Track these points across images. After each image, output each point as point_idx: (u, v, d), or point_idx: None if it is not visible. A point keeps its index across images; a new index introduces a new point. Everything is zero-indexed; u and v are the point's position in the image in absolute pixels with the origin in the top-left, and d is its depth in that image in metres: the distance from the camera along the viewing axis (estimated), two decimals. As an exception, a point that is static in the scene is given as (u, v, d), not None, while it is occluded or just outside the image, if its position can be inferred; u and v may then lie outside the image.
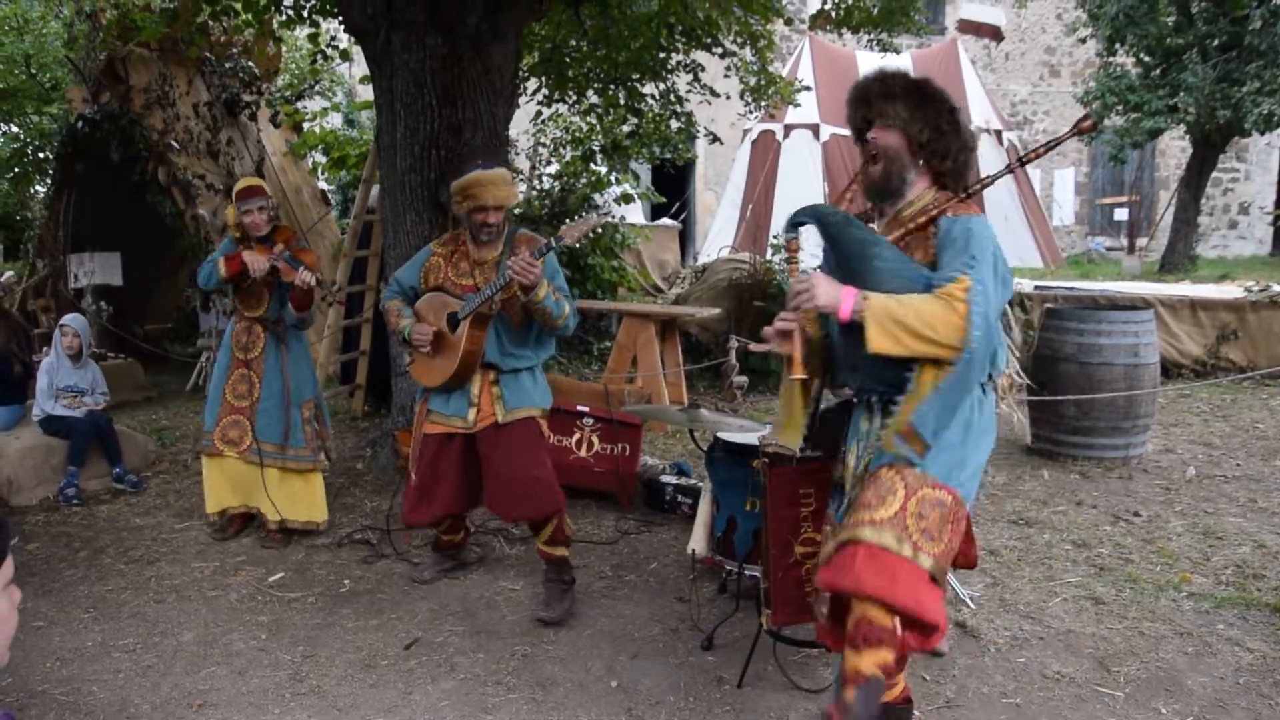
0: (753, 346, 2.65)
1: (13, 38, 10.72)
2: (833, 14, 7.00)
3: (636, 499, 4.95)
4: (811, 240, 2.44)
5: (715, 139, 8.43)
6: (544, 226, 8.30)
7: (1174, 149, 19.01)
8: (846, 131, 2.68)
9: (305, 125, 9.38)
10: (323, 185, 9.85)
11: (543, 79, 7.59)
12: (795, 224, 2.41)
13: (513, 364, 3.62)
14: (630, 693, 3.03)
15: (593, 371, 8.14)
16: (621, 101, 7.68)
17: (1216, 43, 13.96)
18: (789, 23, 8.50)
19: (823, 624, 2.55)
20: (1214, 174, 16.70)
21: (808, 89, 9.47)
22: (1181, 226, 15.60)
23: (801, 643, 3.13)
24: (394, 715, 2.93)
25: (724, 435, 3.59)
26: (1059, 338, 5.76)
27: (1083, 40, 15.70)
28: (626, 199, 9.92)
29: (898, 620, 2.23)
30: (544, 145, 9.43)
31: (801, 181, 13.51)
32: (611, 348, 7.09)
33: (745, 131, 15.05)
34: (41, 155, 11.93)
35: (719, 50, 7.22)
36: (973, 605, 3.61)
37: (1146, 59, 14.75)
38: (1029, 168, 15.47)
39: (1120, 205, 18.18)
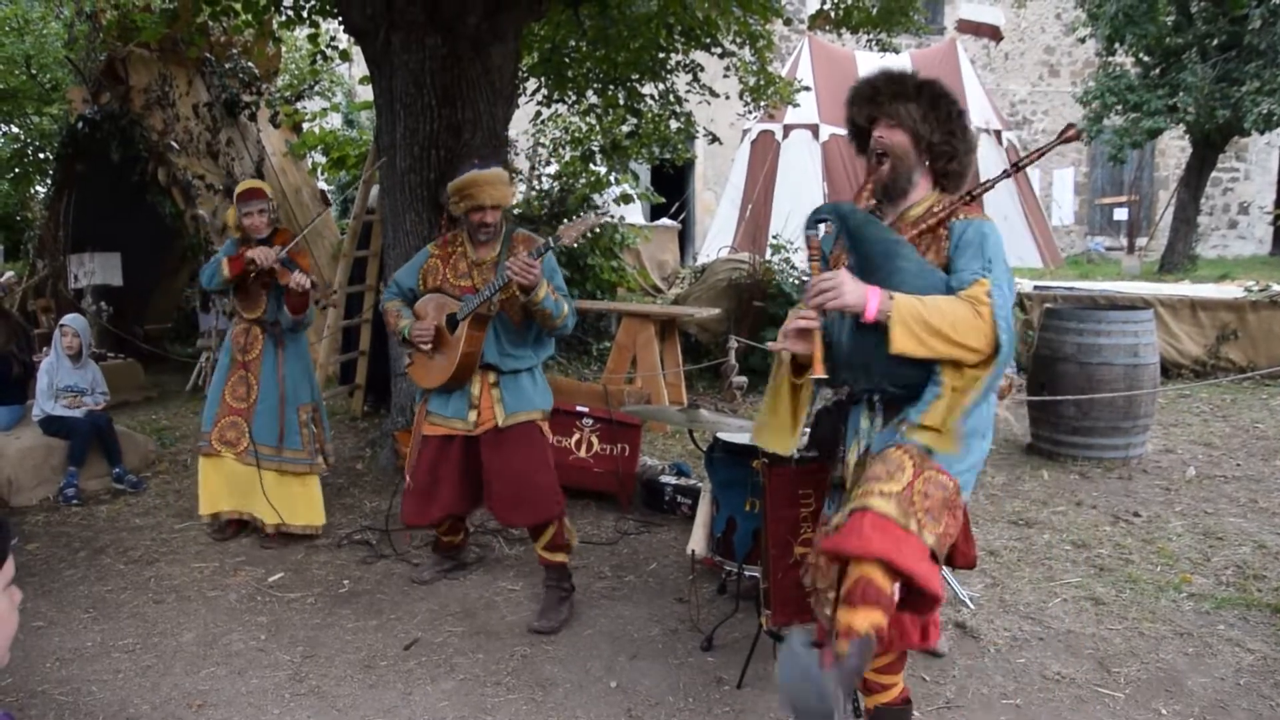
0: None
1: (13, 38, 10.72)
2: (832, 14, 7.01)
3: (636, 499, 4.95)
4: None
5: (714, 139, 8.43)
6: (543, 227, 8.30)
7: (1173, 149, 19.00)
8: (845, 131, 2.67)
9: (305, 125, 9.39)
10: (322, 185, 9.85)
11: (542, 79, 7.60)
12: (816, 220, 2.40)
13: (512, 365, 3.61)
14: (630, 693, 3.03)
15: (592, 372, 8.13)
16: (621, 102, 7.69)
17: (1216, 42, 13.95)
18: (788, 23, 8.51)
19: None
20: (1213, 174, 16.68)
21: (807, 89, 9.47)
22: (1181, 226, 15.59)
23: (801, 643, 3.13)
24: (393, 715, 2.93)
25: (723, 436, 3.59)
26: (1058, 338, 5.76)
27: (1082, 40, 15.69)
28: (626, 199, 9.93)
29: (897, 588, 2.23)
30: (543, 145, 9.43)
31: (801, 182, 13.51)
32: (611, 348, 7.08)
33: (744, 132, 15.03)
34: (42, 156, 11.93)
35: (718, 50, 7.23)
36: (972, 606, 3.61)
37: (1146, 59, 14.75)
38: (1028, 168, 15.43)
39: (1120, 205, 18.16)
